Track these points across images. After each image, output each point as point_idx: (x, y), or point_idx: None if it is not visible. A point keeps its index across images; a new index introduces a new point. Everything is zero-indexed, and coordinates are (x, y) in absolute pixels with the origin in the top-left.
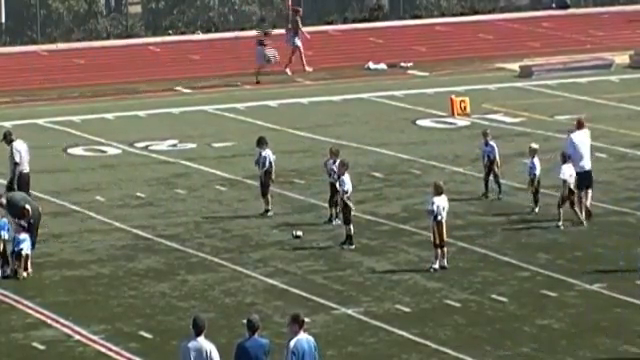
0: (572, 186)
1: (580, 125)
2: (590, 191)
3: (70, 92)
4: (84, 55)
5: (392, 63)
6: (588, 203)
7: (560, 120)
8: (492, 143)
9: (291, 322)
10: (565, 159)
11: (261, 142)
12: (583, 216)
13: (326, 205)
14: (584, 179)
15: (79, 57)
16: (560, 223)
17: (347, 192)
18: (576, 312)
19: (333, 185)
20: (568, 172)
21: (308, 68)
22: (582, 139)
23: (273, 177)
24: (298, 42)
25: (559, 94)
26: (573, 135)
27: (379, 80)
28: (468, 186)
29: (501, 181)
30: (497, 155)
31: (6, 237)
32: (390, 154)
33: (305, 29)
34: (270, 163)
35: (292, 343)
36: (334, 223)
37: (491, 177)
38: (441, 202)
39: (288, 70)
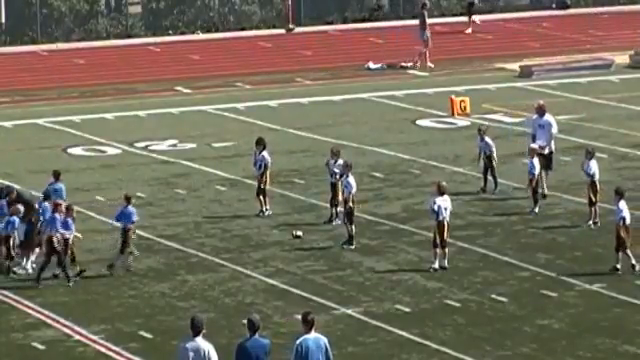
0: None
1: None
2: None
3: (70, 92)
4: (84, 55)
5: (392, 63)
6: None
7: (560, 120)
8: (487, 139)
9: (301, 321)
10: (592, 155)
11: (259, 143)
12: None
13: (326, 205)
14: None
15: (79, 57)
16: (591, 222)
17: (351, 193)
18: (576, 312)
19: (334, 185)
20: (595, 167)
21: (430, 64)
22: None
23: (265, 179)
24: (426, 36)
25: (559, 94)
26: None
27: (379, 80)
28: (468, 186)
29: (499, 180)
30: (494, 151)
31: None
32: (390, 154)
33: (304, 29)
34: (265, 165)
35: (298, 341)
36: (334, 223)
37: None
38: (443, 202)
39: (418, 64)
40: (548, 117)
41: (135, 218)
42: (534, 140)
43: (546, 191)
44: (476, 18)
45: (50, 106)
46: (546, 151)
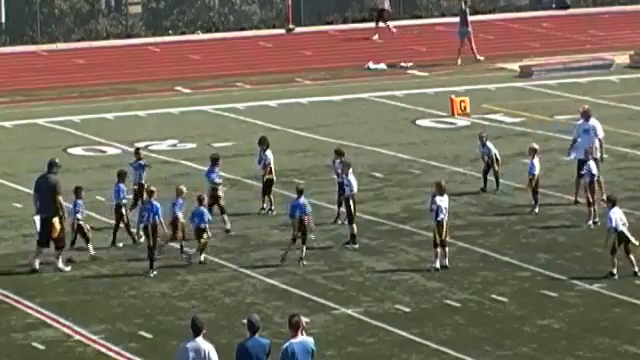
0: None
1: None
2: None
3: (70, 92)
4: (84, 55)
5: (392, 63)
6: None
7: (560, 120)
8: (489, 145)
9: (287, 325)
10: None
11: (262, 142)
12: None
13: (326, 205)
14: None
15: (79, 57)
16: (591, 222)
17: (353, 192)
18: (576, 312)
19: (341, 185)
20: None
21: (479, 57)
22: None
23: (269, 177)
24: (469, 32)
25: (559, 94)
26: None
27: (379, 80)
28: (468, 186)
29: (500, 180)
30: (496, 154)
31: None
32: (390, 154)
33: (304, 29)
34: (269, 163)
35: (284, 345)
36: (339, 222)
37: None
38: (442, 202)
39: (459, 60)
40: (594, 121)
41: (309, 209)
42: (574, 144)
43: (604, 196)
44: (391, 24)
45: (50, 106)
46: (597, 155)
